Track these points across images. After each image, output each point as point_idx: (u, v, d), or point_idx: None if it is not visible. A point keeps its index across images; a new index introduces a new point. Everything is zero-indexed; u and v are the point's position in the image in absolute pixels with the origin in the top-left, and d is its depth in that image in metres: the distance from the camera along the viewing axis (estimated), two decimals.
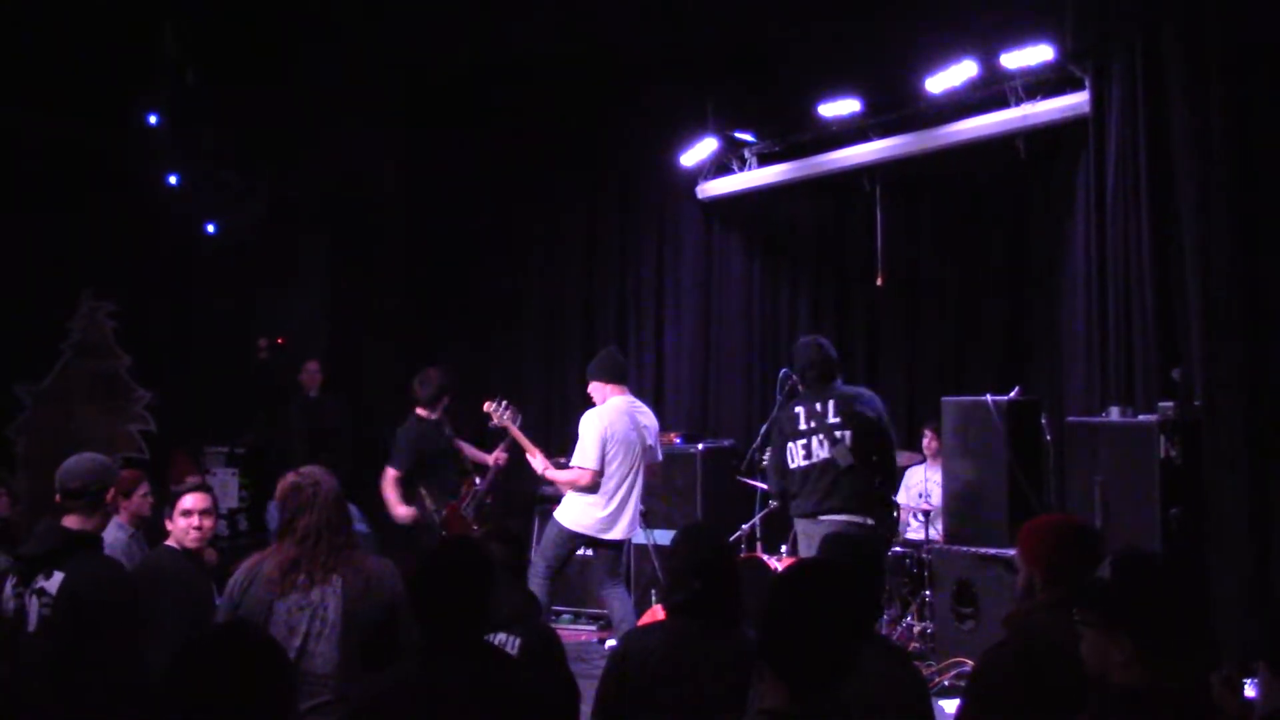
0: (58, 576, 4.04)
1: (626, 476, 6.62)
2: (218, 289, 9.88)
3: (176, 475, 7.14)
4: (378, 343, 10.18)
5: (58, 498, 4.23)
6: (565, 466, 6.81)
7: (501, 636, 3.67)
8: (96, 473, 4.23)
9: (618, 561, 6.86)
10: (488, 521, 6.93)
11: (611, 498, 6.60)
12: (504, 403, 7.17)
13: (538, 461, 6.87)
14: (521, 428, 7.08)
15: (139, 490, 5.68)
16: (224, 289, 9.90)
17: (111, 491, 4.27)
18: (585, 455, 6.56)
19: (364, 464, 8.90)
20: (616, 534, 6.66)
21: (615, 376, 6.82)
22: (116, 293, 10.07)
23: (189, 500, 4.79)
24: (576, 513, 6.62)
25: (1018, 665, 3.18)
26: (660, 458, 7.03)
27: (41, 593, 4.05)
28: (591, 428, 6.59)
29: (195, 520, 4.75)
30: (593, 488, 6.56)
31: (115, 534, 5.24)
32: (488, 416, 7.25)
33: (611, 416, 6.63)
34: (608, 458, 6.57)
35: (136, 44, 8.76)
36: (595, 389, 6.81)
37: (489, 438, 8.02)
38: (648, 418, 6.84)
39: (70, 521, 4.19)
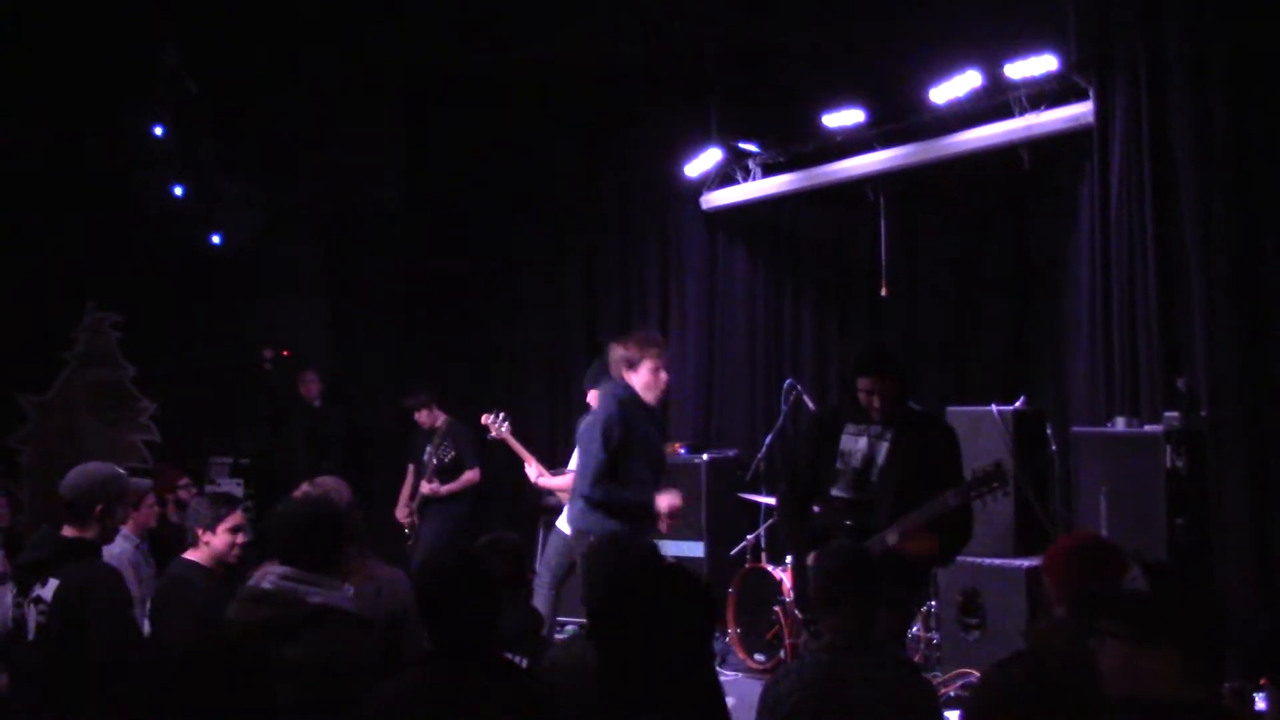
0: (53, 583, 4.05)
1: None
2: (221, 299, 9.89)
3: (167, 487, 7.14)
4: (378, 353, 10.19)
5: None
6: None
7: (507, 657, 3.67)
8: (89, 486, 4.22)
9: None
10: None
11: None
12: (501, 415, 7.21)
13: (533, 470, 6.87)
14: (524, 439, 7.10)
15: (146, 501, 5.68)
16: (228, 299, 9.91)
17: (100, 507, 4.20)
18: None
19: (364, 473, 8.94)
20: None
21: None
22: (121, 303, 10.09)
23: (236, 518, 4.74)
24: None
25: (1026, 681, 3.15)
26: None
27: (39, 600, 4.07)
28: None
29: (240, 538, 4.72)
30: None
31: (121, 544, 5.23)
32: (485, 429, 7.30)
33: None
34: None
35: (139, 56, 8.78)
36: (594, 397, 6.80)
37: (488, 449, 8.13)
38: None
39: (67, 530, 4.20)
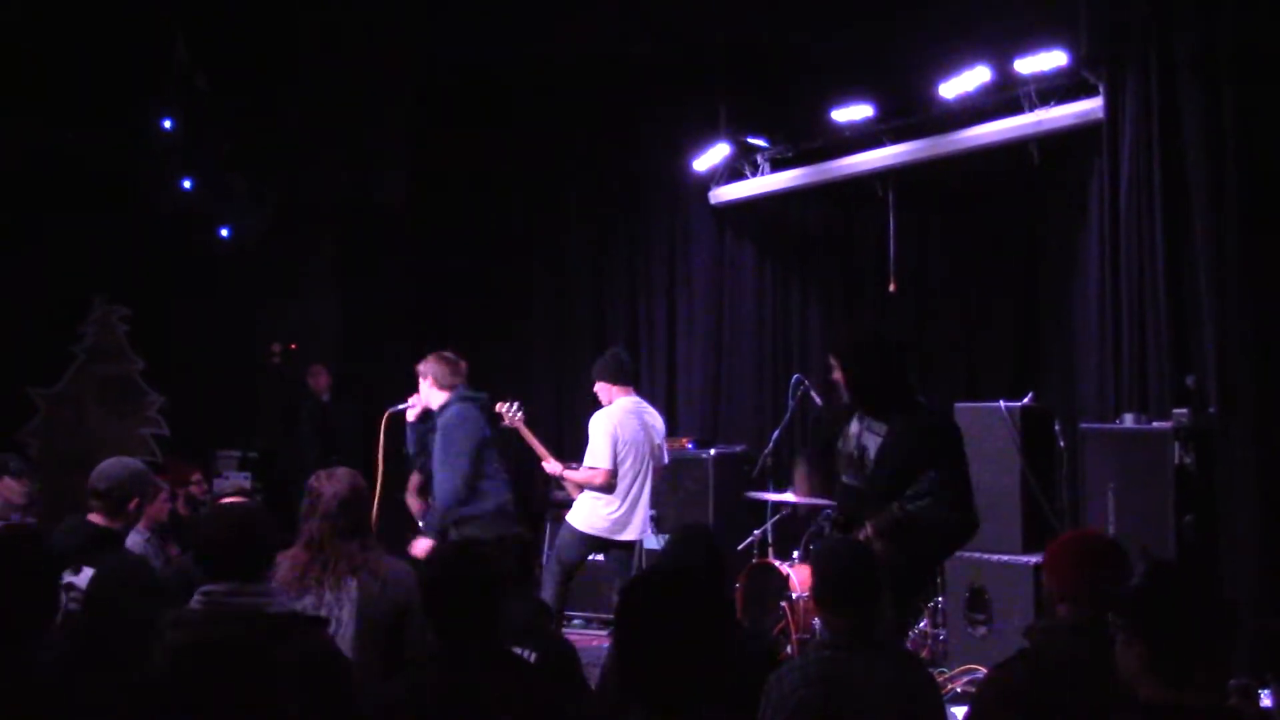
0: (87, 572, 4.07)
1: (638, 476, 6.63)
2: (230, 293, 9.92)
3: (180, 481, 7.20)
4: (387, 347, 10.21)
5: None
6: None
7: (515, 651, 3.66)
8: (125, 480, 4.31)
9: (630, 564, 6.86)
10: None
11: (624, 498, 6.60)
12: (515, 404, 7.20)
13: (552, 465, 6.88)
14: (533, 433, 7.09)
15: (160, 496, 5.74)
16: (236, 293, 9.93)
17: (135, 500, 4.33)
18: (597, 455, 6.56)
19: (373, 467, 8.95)
20: (629, 534, 6.66)
21: (620, 378, 6.81)
22: (130, 297, 10.12)
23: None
24: (588, 514, 6.63)
25: (1029, 679, 3.15)
26: (666, 461, 7.03)
27: (70, 587, 4.08)
28: (601, 428, 6.60)
29: None
30: (608, 487, 6.56)
31: (133, 537, 5.26)
32: (499, 417, 7.29)
33: (619, 416, 6.64)
34: (619, 457, 6.57)
35: (149, 50, 8.81)
36: (601, 389, 6.81)
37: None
38: (654, 419, 6.85)
39: (95, 518, 4.26)
